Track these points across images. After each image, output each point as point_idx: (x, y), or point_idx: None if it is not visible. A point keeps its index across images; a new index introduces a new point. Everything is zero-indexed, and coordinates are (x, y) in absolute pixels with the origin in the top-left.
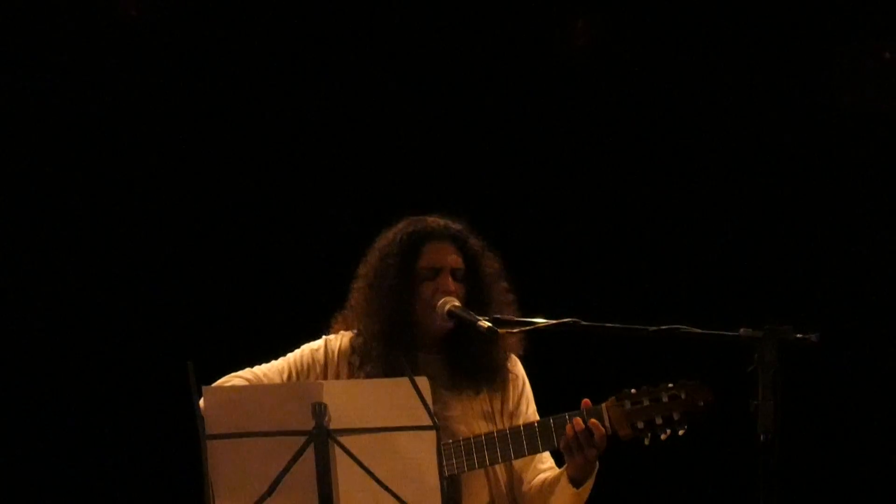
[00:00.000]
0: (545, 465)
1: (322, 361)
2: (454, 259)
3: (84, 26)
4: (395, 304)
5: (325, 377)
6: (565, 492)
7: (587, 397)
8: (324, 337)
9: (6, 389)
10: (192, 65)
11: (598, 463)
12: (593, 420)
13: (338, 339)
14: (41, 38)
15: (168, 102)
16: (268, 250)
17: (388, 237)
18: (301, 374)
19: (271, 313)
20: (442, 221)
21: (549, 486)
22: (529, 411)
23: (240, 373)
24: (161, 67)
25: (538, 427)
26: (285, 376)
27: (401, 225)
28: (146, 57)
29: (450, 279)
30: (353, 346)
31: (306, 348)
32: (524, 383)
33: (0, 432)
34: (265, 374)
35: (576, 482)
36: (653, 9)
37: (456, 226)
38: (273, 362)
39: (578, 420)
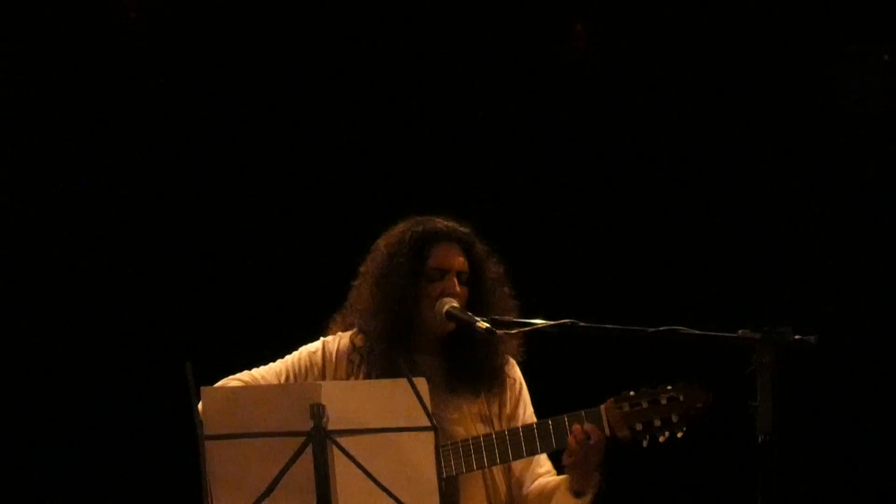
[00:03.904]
0: (543, 469)
1: (320, 364)
2: (460, 262)
3: (83, 29)
4: (400, 302)
5: (323, 379)
6: (566, 501)
7: (585, 398)
8: (321, 339)
9: (6, 390)
10: (192, 67)
11: (599, 476)
12: (589, 425)
13: (335, 341)
14: (40, 40)
15: (167, 104)
16: (267, 252)
17: (396, 235)
18: (298, 376)
19: (270, 315)
20: (450, 223)
21: (549, 493)
22: (526, 414)
23: (237, 375)
24: (160, 70)
25: (536, 429)
26: (283, 379)
27: (408, 224)
28: (145, 59)
29: (455, 281)
30: (353, 344)
31: (304, 350)
32: (521, 387)
33: (0, 433)
34: (263, 377)
35: (578, 493)
36: (652, 11)
37: (463, 229)
38: (271, 364)
39: (578, 428)
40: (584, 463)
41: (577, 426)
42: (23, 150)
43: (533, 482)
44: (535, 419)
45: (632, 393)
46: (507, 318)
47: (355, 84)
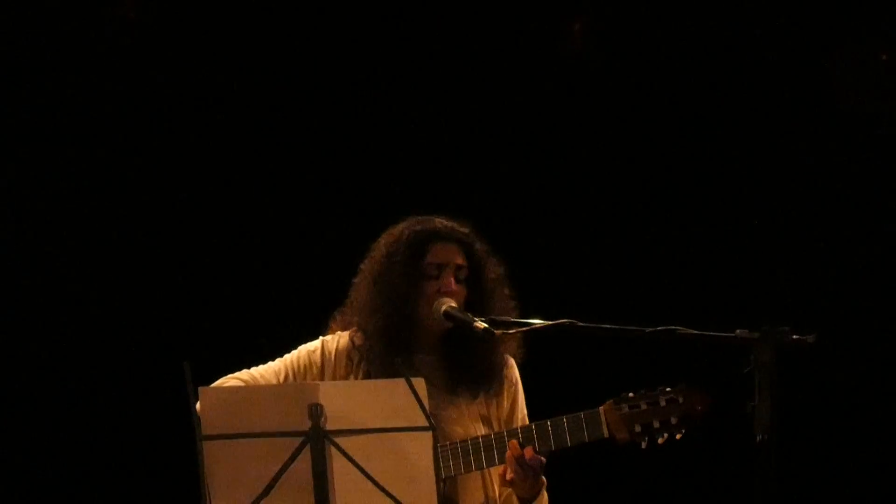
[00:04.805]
0: None
1: (319, 363)
2: (459, 260)
3: (82, 29)
4: (398, 300)
5: (322, 378)
6: None
7: (584, 399)
8: (321, 338)
9: (4, 390)
10: (191, 67)
11: (544, 479)
12: (528, 448)
13: (335, 340)
14: (39, 41)
15: (166, 104)
16: (266, 251)
17: (395, 234)
18: (297, 376)
19: (269, 314)
20: (449, 223)
21: None
22: (519, 416)
23: (236, 374)
24: (159, 70)
25: (535, 430)
26: (282, 377)
27: (408, 223)
28: (144, 59)
29: (453, 279)
30: (352, 343)
31: (303, 349)
32: (517, 387)
33: None
34: (262, 376)
35: (524, 501)
36: (650, 10)
37: (463, 229)
38: (269, 363)
39: (514, 443)
40: (521, 477)
41: (513, 441)
42: (20, 149)
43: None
44: (526, 420)
45: (631, 394)
46: (505, 318)
47: (354, 83)
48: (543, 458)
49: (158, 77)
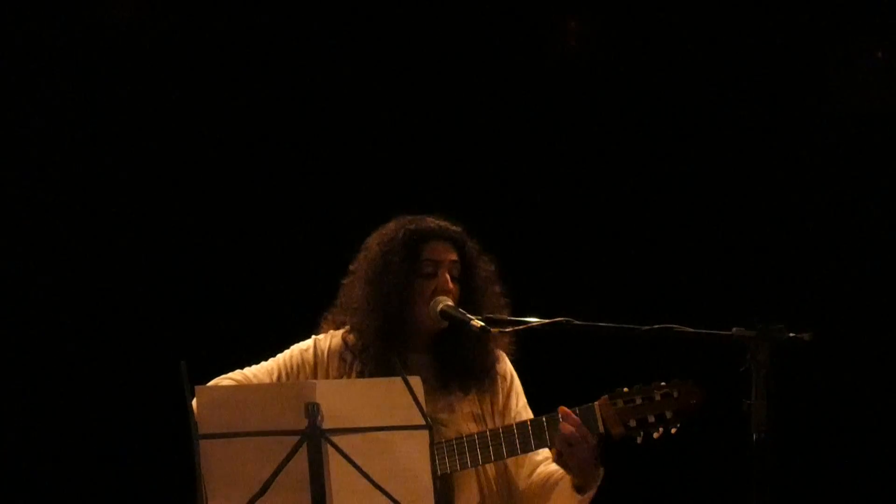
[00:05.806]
0: (540, 457)
1: (312, 362)
2: (453, 259)
3: (76, 29)
4: (394, 300)
5: (315, 377)
6: (568, 497)
7: (580, 396)
8: (313, 337)
9: (2, 389)
10: (186, 67)
11: (602, 470)
12: (565, 423)
13: (327, 339)
14: (34, 42)
15: (161, 104)
16: (260, 251)
17: (388, 234)
18: (290, 375)
19: (264, 313)
20: (442, 222)
21: (552, 486)
22: (520, 405)
23: (229, 374)
24: (154, 70)
25: (531, 426)
26: (275, 377)
27: (400, 222)
28: (139, 60)
29: (448, 278)
30: (345, 342)
31: (295, 349)
32: (512, 379)
33: None
34: (255, 376)
35: (580, 489)
36: (647, 9)
37: (455, 228)
38: (263, 363)
39: (568, 417)
40: (572, 459)
41: (564, 424)
42: (16, 149)
43: (534, 470)
44: (528, 409)
45: (626, 389)
46: (501, 316)
47: (346, 82)
48: (591, 438)
49: (152, 78)
